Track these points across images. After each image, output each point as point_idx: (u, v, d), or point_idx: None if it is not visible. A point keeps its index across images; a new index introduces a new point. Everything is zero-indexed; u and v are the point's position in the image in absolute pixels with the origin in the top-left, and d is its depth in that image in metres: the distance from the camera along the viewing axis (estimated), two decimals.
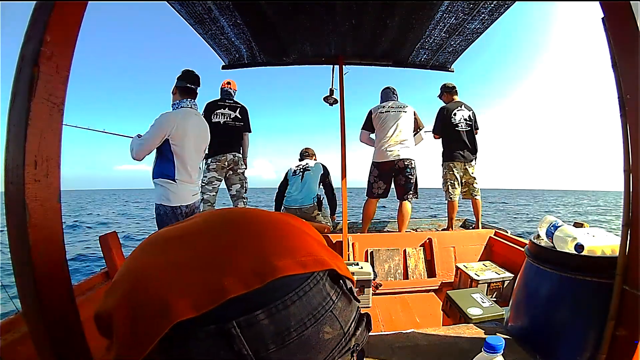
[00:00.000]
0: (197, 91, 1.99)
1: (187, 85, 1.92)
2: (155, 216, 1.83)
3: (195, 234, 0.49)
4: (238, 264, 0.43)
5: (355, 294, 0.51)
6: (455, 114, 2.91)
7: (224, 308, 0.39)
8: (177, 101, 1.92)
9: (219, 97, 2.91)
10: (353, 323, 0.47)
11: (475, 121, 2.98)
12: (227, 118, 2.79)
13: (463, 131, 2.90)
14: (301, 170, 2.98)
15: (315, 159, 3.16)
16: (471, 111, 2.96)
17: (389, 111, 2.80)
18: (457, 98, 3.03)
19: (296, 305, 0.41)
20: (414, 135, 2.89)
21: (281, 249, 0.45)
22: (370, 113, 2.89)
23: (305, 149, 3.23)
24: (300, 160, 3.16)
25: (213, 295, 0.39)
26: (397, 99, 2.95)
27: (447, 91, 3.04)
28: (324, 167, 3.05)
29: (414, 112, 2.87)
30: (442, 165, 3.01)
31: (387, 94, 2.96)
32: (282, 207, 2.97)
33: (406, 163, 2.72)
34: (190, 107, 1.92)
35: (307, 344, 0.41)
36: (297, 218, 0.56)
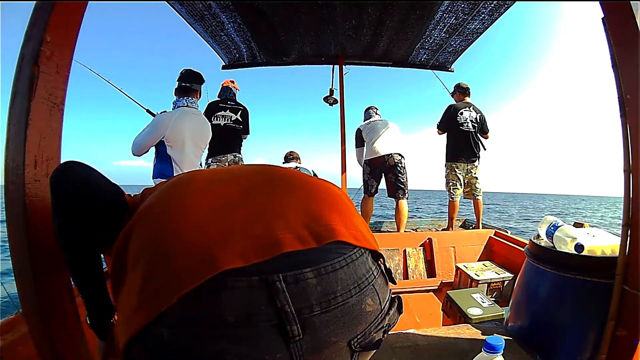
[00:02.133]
0: (197, 88, 2.02)
1: (182, 84, 1.96)
2: None
3: (242, 179, 0.47)
4: (293, 219, 0.41)
5: (392, 276, 0.50)
6: (461, 113, 2.91)
7: (270, 262, 0.37)
8: (175, 101, 1.97)
9: (219, 94, 2.91)
10: (388, 302, 0.46)
11: (483, 124, 2.98)
12: (227, 120, 2.79)
13: (468, 131, 2.90)
14: None
15: (299, 162, 3.17)
16: (479, 114, 2.96)
17: (377, 121, 2.93)
18: (468, 99, 3.03)
19: (344, 270, 0.40)
20: None
21: (335, 215, 0.45)
22: (358, 130, 3.01)
23: (290, 152, 3.23)
24: (285, 163, 3.14)
25: (265, 247, 0.37)
26: (379, 117, 3.07)
27: (460, 91, 3.06)
28: (313, 172, 3.07)
29: (397, 128, 3.00)
30: (445, 165, 3.02)
31: (370, 113, 3.09)
32: None
33: (396, 160, 2.78)
34: (187, 106, 1.94)
35: (351, 312, 0.39)
36: (344, 192, 0.55)
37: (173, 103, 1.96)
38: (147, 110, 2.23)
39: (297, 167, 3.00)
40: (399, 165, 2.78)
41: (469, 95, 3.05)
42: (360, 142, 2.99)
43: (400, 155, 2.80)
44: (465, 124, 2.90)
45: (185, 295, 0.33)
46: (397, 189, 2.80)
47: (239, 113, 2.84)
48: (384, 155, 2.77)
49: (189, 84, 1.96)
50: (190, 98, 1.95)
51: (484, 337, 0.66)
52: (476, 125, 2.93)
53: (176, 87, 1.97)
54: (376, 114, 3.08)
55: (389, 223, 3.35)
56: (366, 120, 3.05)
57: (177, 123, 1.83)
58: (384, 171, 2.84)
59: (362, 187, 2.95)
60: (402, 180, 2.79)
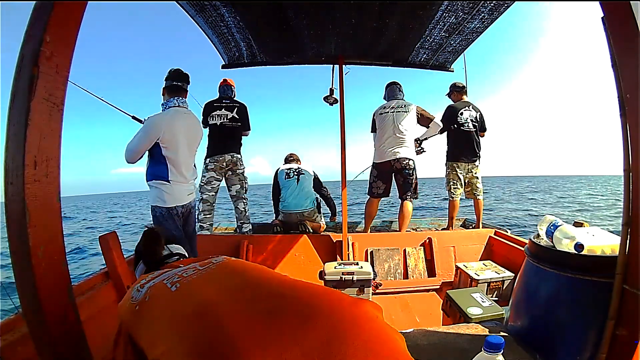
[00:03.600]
0: (187, 88, 1.97)
1: (173, 83, 1.90)
2: (152, 218, 1.84)
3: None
4: None
5: None
6: (462, 114, 2.91)
7: None
8: (165, 101, 1.91)
9: (217, 96, 2.90)
10: None
11: (482, 122, 2.97)
12: (224, 119, 2.77)
13: (468, 131, 2.90)
14: (295, 173, 2.96)
15: (300, 163, 3.16)
16: (478, 112, 2.95)
17: (389, 112, 2.80)
18: (465, 98, 3.02)
19: None
20: (428, 128, 2.90)
21: None
22: (373, 116, 2.91)
23: (290, 154, 3.23)
24: (286, 164, 3.13)
25: None
26: (402, 96, 2.91)
27: (457, 90, 3.04)
28: (315, 173, 3.07)
29: (417, 109, 2.84)
30: (446, 164, 3.01)
31: (393, 91, 2.93)
32: (280, 213, 2.96)
33: (404, 164, 2.73)
34: (179, 106, 1.89)
35: None
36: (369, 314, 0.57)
37: (163, 104, 1.91)
38: (134, 117, 2.18)
39: (298, 168, 3.00)
40: (407, 167, 2.73)
41: (465, 93, 3.04)
42: (374, 128, 2.90)
43: (408, 159, 2.74)
44: (466, 124, 2.90)
45: None
46: (405, 190, 2.77)
47: (235, 110, 2.82)
48: (390, 160, 2.73)
49: (180, 82, 1.91)
50: (180, 98, 1.90)
51: (484, 337, 0.66)
52: (476, 124, 2.93)
53: (165, 86, 1.91)
54: (400, 91, 2.91)
55: (389, 223, 3.36)
56: (388, 98, 2.91)
57: (171, 124, 1.79)
58: (393, 174, 2.81)
59: (367, 188, 2.94)
60: (410, 182, 2.75)
